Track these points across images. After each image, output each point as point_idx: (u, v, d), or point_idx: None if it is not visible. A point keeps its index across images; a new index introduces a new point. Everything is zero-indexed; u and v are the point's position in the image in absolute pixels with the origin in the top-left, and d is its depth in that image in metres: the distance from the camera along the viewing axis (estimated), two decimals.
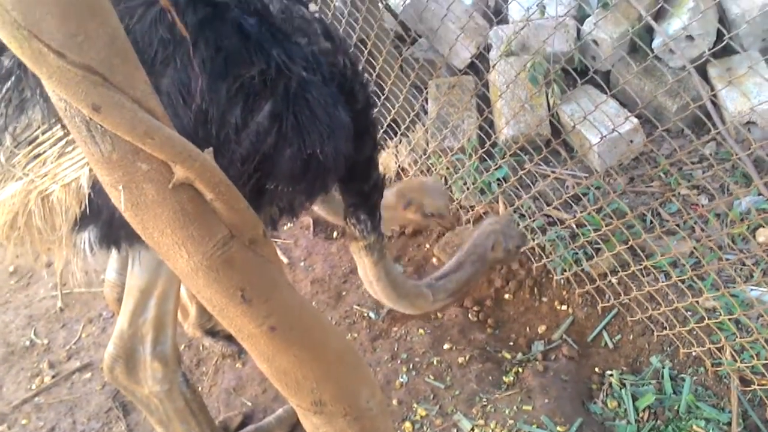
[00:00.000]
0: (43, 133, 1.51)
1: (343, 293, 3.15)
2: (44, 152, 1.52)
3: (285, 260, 3.34)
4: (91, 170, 1.47)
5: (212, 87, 1.41)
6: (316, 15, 1.78)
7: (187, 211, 1.10)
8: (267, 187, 1.58)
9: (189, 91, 1.40)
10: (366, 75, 3.46)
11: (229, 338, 2.86)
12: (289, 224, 3.54)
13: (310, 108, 1.51)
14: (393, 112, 3.54)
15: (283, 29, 1.57)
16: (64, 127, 1.46)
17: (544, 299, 2.98)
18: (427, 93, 3.59)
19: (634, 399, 2.52)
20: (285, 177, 1.57)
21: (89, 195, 1.51)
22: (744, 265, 2.76)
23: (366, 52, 3.48)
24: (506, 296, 3.03)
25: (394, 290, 2.33)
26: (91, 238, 1.64)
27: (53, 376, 2.97)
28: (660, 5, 2.48)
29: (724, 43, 2.10)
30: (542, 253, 2.98)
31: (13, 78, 1.48)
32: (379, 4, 3.57)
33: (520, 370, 2.70)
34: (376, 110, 3.54)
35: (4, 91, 1.50)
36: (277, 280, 1.26)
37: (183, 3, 1.39)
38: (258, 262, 1.21)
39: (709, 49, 3.09)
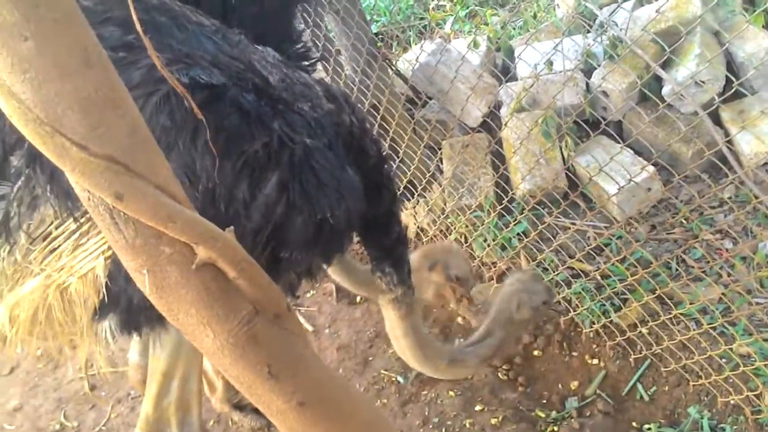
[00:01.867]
0: (56, 228, 1.52)
1: (370, 359, 3.12)
2: (59, 246, 1.53)
3: (309, 328, 3.33)
4: (106, 260, 1.49)
5: (217, 165, 1.43)
6: (317, 78, 1.80)
7: (211, 291, 1.11)
8: (282, 256, 1.57)
9: (194, 173, 1.43)
10: (376, 130, 3.52)
11: (258, 412, 2.82)
12: (311, 291, 3.54)
13: (316, 174, 1.52)
14: (409, 173, 3.58)
15: (284, 98, 1.59)
16: (76, 220, 1.48)
17: (575, 354, 2.93)
18: (441, 153, 3.63)
19: None
20: (299, 244, 1.57)
21: (106, 284, 1.52)
22: None
23: (379, 117, 3.54)
24: (535, 352, 2.99)
25: (421, 350, 2.28)
26: (111, 325, 1.64)
27: None
28: (666, 56, 2.52)
29: (735, 88, 2.11)
30: (569, 307, 2.95)
31: (23, 177, 1.51)
32: (389, 70, 3.65)
33: (555, 429, 2.64)
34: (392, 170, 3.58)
35: (15, 190, 1.53)
36: (303, 353, 1.26)
37: (183, 87, 1.43)
38: (283, 337, 1.21)
39: (719, 94, 3.10)
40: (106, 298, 1.54)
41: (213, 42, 1.65)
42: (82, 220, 1.49)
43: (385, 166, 1.96)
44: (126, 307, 1.59)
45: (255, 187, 1.49)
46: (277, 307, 1.19)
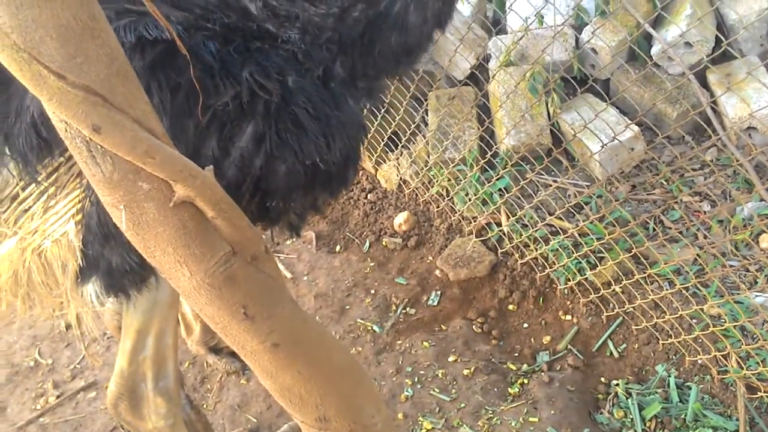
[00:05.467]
0: (23, 190, 1.48)
1: (347, 307, 3.14)
2: (30, 207, 1.48)
3: (288, 275, 3.34)
4: (77, 224, 1.46)
5: (177, 125, 1.35)
6: None
7: (188, 229, 1.10)
8: (270, 206, 1.53)
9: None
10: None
11: (233, 355, 2.84)
12: (291, 239, 3.54)
13: (297, 122, 1.43)
14: (393, 124, 3.55)
15: (266, 30, 1.47)
16: (38, 184, 1.44)
17: (549, 309, 2.97)
18: (427, 105, 3.60)
19: (641, 408, 2.51)
20: (289, 191, 1.51)
21: (81, 248, 1.48)
22: (748, 271, 2.75)
23: None
24: (510, 307, 3.02)
25: None
26: (96, 289, 1.60)
27: (58, 396, 2.96)
28: (657, 13, 2.49)
29: (723, 48, 2.10)
30: (545, 263, 2.98)
31: None
32: None
33: (526, 381, 2.70)
34: (376, 123, 3.55)
35: None
36: (280, 296, 1.26)
37: (128, 47, 1.30)
38: (260, 279, 1.21)
39: (708, 55, 3.09)
40: (84, 262, 1.52)
41: None
42: (46, 184, 1.43)
43: None
44: (107, 270, 1.55)
45: (227, 142, 1.41)
46: (255, 248, 1.18)
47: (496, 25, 3.72)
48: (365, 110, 1.68)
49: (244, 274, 1.17)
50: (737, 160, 2.42)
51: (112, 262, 1.50)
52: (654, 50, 3.24)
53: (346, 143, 1.51)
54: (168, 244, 1.11)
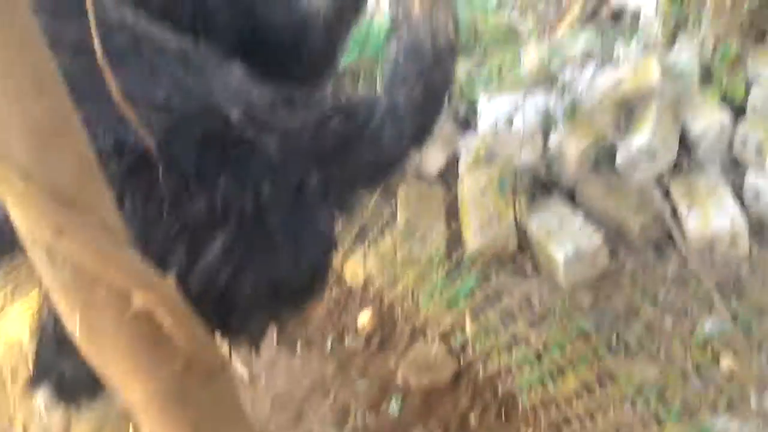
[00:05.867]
0: None
1: (304, 412, 3.02)
2: None
3: (245, 374, 3.21)
4: (32, 330, 1.41)
5: (146, 233, 1.30)
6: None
7: (143, 340, 1.06)
8: (233, 318, 1.47)
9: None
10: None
11: None
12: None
13: (267, 234, 1.40)
14: (361, 219, 3.52)
15: (242, 139, 1.43)
16: None
17: (511, 425, 2.88)
18: (396, 200, 3.59)
19: None
20: (253, 304, 1.45)
21: (34, 355, 1.43)
22: (707, 392, 2.72)
23: None
24: (472, 421, 2.93)
25: None
26: (46, 398, 1.52)
27: None
28: (622, 124, 2.54)
29: (685, 161, 2.14)
30: (508, 375, 2.91)
31: None
32: None
33: None
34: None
35: None
36: (232, 415, 1.20)
37: (106, 151, 1.26)
38: (213, 397, 1.16)
39: (671, 166, 3.14)
40: (35, 369, 1.46)
41: (170, 75, 1.48)
42: (2, 283, 1.39)
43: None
44: (58, 380, 1.48)
45: (196, 253, 1.36)
46: (212, 363, 1.14)
47: (466, 125, 3.77)
48: (337, 224, 1.66)
49: (196, 392, 1.12)
50: (698, 276, 2.44)
51: (64, 371, 1.43)
52: (618, 159, 3.28)
53: (314, 258, 1.48)
54: (121, 354, 1.06)
